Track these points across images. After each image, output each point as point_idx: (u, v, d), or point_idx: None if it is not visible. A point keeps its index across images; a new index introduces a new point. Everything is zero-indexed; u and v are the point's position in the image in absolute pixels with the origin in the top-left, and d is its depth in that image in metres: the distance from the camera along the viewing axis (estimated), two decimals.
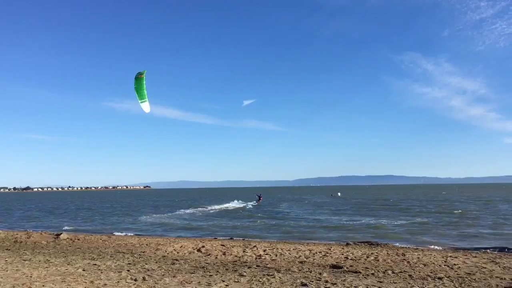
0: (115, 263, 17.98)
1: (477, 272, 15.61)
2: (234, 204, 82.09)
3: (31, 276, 14.37)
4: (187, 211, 61.80)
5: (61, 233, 30.16)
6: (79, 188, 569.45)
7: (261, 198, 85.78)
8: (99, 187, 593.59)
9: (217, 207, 73.49)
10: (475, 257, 19.53)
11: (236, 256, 20.48)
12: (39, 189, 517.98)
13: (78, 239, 28.37)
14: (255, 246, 23.68)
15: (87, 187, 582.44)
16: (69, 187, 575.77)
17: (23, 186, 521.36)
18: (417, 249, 23.28)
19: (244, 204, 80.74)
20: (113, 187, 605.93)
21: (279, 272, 15.67)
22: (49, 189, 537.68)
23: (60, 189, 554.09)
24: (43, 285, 12.78)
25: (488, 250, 22.67)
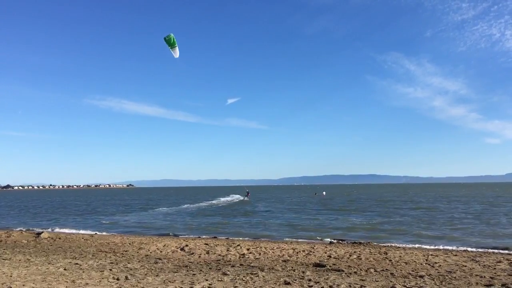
0: (97, 262, 17.82)
1: (457, 270, 15.86)
2: (224, 199, 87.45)
3: (11, 276, 14.15)
4: (169, 209, 61.52)
5: (42, 232, 29.78)
6: (60, 187, 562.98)
7: (248, 194, 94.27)
8: (81, 186, 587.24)
9: (196, 204, 74.22)
10: (456, 255, 19.85)
11: (219, 255, 20.47)
12: (20, 187, 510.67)
13: (59, 238, 28.05)
14: (238, 245, 23.70)
15: (69, 186, 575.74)
16: (51, 185, 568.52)
17: (3, 184, 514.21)
18: (399, 247, 23.55)
19: (231, 199, 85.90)
20: (96, 186, 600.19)
21: (262, 271, 15.71)
22: (30, 187, 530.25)
23: (41, 187, 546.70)
24: (24, 285, 12.60)
25: (468, 249, 23.07)
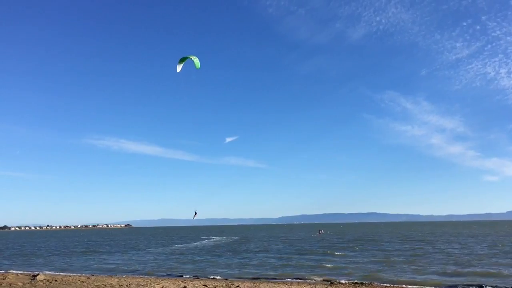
0: None
1: None
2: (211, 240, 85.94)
3: None
4: (165, 249, 60.81)
5: (38, 274, 29.40)
6: (58, 227, 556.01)
7: (196, 214, 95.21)
8: (79, 226, 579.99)
9: (192, 244, 73.99)
10: None
11: None
12: (17, 228, 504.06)
13: (56, 280, 27.66)
14: (238, 286, 23.37)
15: (67, 226, 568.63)
16: (48, 225, 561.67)
17: (0, 225, 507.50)
18: None
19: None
20: (93, 226, 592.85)
21: None
22: (27, 228, 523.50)
23: (38, 228, 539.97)
24: None
25: None
